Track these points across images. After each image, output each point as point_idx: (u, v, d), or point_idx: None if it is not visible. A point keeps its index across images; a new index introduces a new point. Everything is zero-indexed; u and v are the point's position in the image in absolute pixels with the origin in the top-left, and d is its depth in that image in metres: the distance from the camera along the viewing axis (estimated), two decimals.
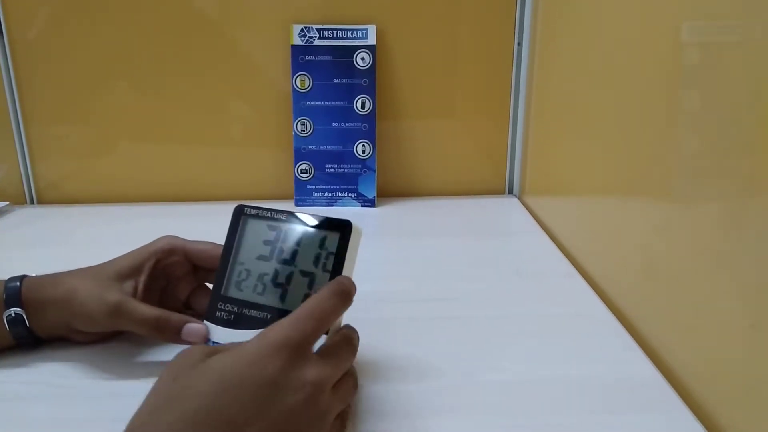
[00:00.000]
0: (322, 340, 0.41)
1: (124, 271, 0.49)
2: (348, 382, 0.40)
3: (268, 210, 0.48)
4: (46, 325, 0.49)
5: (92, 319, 0.47)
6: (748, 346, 0.39)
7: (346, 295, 0.41)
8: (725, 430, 0.42)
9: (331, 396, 0.37)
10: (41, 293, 0.48)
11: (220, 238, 0.48)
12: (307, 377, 0.35)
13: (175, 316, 0.47)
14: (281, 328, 0.37)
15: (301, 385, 0.35)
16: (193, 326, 0.46)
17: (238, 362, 0.35)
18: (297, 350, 0.36)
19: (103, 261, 0.50)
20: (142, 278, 0.49)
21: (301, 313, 0.38)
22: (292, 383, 0.35)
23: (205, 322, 0.47)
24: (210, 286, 0.52)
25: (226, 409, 0.33)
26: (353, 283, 0.42)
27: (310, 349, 0.38)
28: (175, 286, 0.52)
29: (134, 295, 0.48)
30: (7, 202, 0.90)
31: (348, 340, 0.42)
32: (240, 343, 0.36)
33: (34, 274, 0.50)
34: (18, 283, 0.48)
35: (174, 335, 0.46)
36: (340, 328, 0.43)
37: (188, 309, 0.52)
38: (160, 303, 0.50)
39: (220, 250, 0.49)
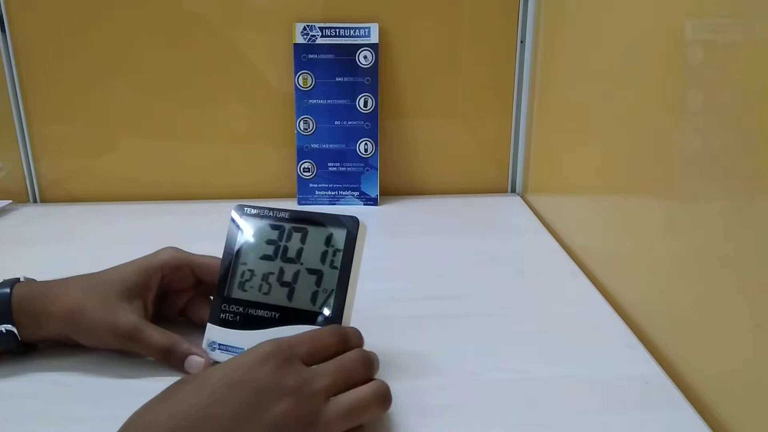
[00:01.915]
0: None
1: (132, 288, 0.47)
2: (360, 391, 0.39)
3: (268, 209, 0.48)
4: (40, 335, 0.47)
5: (99, 339, 0.46)
6: (753, 346, 0.39)
7: (344, 339, 0.42)
8: (729, 428, 0.42)
9: (324, 402, 0.37)
10: (37, 306, 0.46)
11: (222, 236, 0.48)
12: (289, 384, 0.36)
13: (182, 347, 0.46)
14: (274, 341, 0.38)
15: (285, 391, 0.36)
16: (195, 359, 0.46)
17: (228, 368, 0.37)
18: (284, 361, 0.37)
19: (105, 260, 0.50)
20: (151, 297, 0.49)
21: (299, 335, 0.40)
22: (276, 390, 0.36)
23: (209, 325, 0.47)
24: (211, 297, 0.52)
25: (213, 409, 0.34)
26: (359, 334, 0.43)
27: (299, 363, 0.38)
28: (175, 296, 0.51)
29: (145, 315, 0.48)
30: (10, 201, 0.90)
31: (361, 354, 0.41)
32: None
33: (22, 278, 0.48)
34: (8, 290, 0.46)
35: (179, 364, 0.46)
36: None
37: (183, 316, 0.52)
38: (157, 312, 0.50)
39: None
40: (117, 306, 0.46)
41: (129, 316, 0.46)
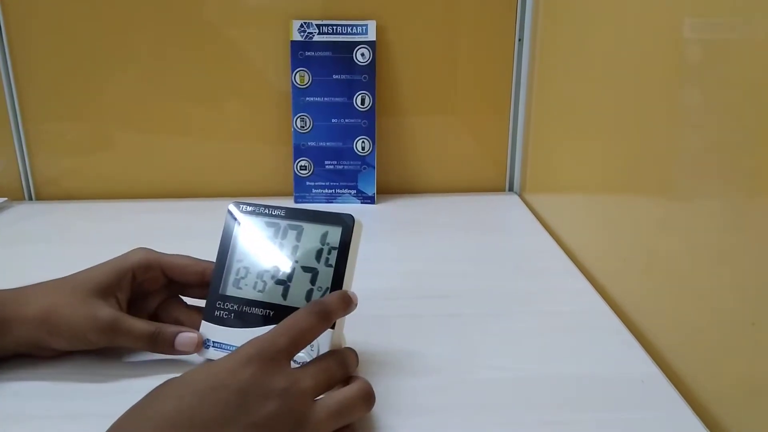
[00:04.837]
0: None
1: (106, 288, 0.47)
2: (346, 390, 0.39)
3: (264, 206, 0.48)
4: (4, 344, 0.46)
5: (78, 337, 0.45)
6: (749, 344, 0.39)
7: (324, 316, 0.41)
8: (725, 427, 0.42)
9: (311, 403, 0.37)
10: (5, 312, 0.45)
11: (217, 234, 0.48)
12: (275, 385, 0.36)
13: (169, 329, 0.46)
14: (255, 341, 0.38)
15: (272, 393, 0.36)
16: (186, 335, 0.46)
17: (212, 371, 0.36)
18: (269, 361, 0.37)
19: (101, 258, 0.50)
20: (124, 297, 0.48)
21: (277, 329, 0.39)
22: (262, 391, 0.36)
23: (203, 322, 0.47)
24: (185, 299, 0.51)
25: (198, 412, 0.34)
26: (345, 301, 0.43)
27: (284, 361, 0.38)
28: (145, 299, 0.50)
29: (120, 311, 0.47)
30: (5, 198, 0.89)
31: (337, 354, 0.42)
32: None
33: None
34: None
35: (168, 347, 0.46)
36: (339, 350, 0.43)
37: (155, 320, 0.51)
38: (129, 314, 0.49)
39: (201, 265, 0.49)
40: (94, 302, 0.46)
41: (108, 309, 0.46)
